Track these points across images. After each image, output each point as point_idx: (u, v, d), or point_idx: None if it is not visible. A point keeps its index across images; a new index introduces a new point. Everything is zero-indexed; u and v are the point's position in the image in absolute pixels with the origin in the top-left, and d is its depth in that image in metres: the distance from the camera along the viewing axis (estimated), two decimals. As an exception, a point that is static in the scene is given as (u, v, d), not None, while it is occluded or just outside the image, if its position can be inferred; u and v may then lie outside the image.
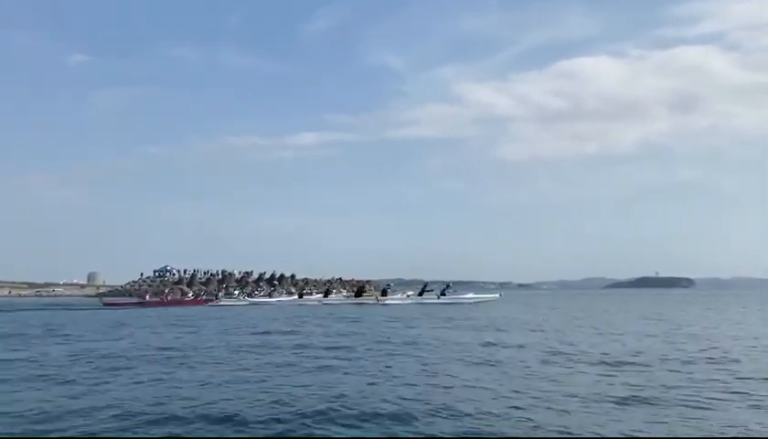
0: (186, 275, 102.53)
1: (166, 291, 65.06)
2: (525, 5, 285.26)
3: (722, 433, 6.16)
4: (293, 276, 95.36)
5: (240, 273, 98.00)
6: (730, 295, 75.36)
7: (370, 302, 39.98)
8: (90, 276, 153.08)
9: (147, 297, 50.36)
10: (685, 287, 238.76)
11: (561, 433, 6.12)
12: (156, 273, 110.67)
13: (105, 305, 45.79)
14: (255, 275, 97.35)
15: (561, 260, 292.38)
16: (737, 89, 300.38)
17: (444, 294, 38.86)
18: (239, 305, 43.60)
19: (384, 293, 42.09)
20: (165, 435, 6.19)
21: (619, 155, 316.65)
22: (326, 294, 51.48)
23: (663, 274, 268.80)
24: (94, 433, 6.30)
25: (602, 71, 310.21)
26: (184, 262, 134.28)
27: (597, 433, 6.11)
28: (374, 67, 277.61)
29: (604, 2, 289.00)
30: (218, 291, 68.50)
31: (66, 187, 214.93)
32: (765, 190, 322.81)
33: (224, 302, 46.97)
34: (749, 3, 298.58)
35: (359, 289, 44.66)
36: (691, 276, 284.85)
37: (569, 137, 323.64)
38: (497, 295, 44.85)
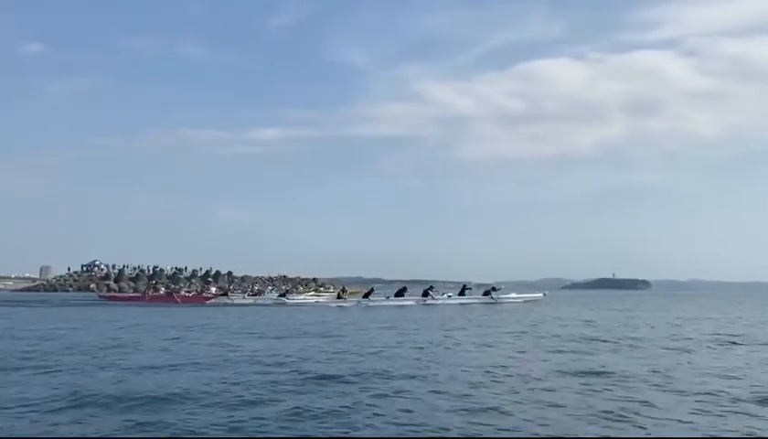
0: (115, 270, 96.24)
1: (162, 289, 57.19)
2: (488, 5, 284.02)
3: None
4: (229, 273, 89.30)
5: (171, 268, 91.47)
6: (707, 297, 73.49)
7: (409, 302, 36.92)
8: (43, 270, 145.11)
9: (150, 292, 47.82)
10: (641, 289, 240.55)
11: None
12: (84, 268, 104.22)
13: (101, 298, 44.29)
14: (188, 272, 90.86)
15: (519, 260, 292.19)
16: (694, 94, 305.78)
17: (489, 294, 38.02)
18: (248, 305, 39.45)
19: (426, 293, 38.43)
20: (166, 435, 5.68)
21: (577, 158, 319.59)
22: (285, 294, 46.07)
23: (620, 276, 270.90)
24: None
25: (562, 74, 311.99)
26: (136, 256, 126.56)
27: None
28: (337, 63, 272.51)
29: (566, 5, 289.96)
30: (150, 288, 61.11)
31: (19, 178, 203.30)
32: (722, 194, 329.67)
33: (233, 300, 43.22)
34: (706, 9, 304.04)
35: (400, 290, 39.32)
36: (648, 278, 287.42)
37: (528, 138, 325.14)
38: (542, 295, 43.15)
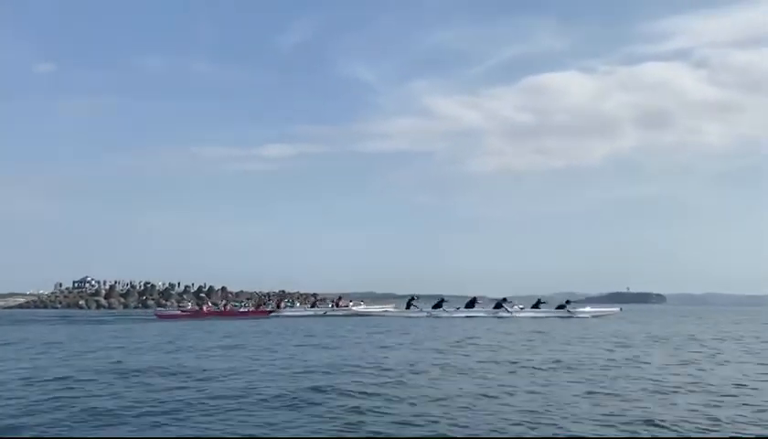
0: (106, 286, 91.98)
1: (208, 304, 54.06)
2: (496, 19, 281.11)
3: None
4: (223, 288, 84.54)
5: (163, 284, 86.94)
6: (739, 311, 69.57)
7: (481, 314, 36.59)
8: (57, 286, 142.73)
9: (204, 308, 47.22)
10: (656, 303, 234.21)
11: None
12: (75, 284, 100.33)
13: (158, 316, 44.04)
14: (181, 288, 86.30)
15: (531, 274, 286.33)
16: (705, 105, 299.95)
17: (563, 307, 37.41)
18: (305, 316, 40.14)
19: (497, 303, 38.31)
20: (165, 435, 6.17)
21: (588, 171, 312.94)
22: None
23: (634, 290, 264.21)
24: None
25: (571, 87, 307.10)
26: (131, 272, 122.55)
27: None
28: (346, 79, 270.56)
29: (574, 18, 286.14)
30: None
31: (31, 197, 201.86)
32: (735, 206, 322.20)
33: (287, 313, 43.94)
34: (717, 21, 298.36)
35: (470, 301, 38.46)
36: (662, 292, 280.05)
37: (537, 152, 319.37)
38: (618, 309, 41.15)
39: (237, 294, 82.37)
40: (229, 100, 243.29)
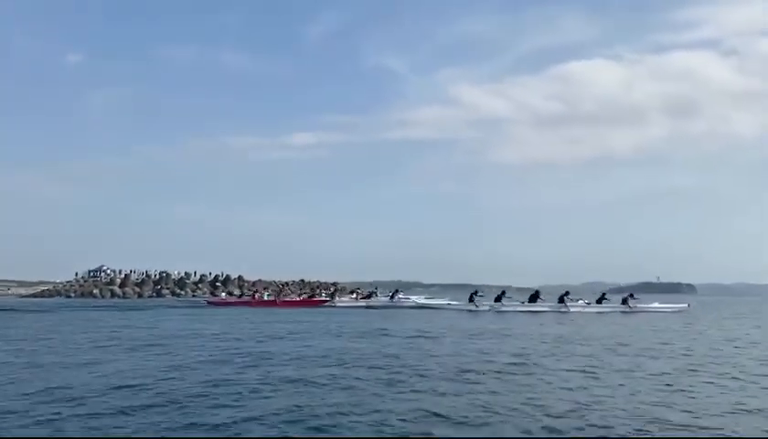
0: (121, 275, 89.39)
1: (265, 294, 52.56)
2: (522, 8, 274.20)
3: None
4: (240, 277, 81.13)
5: (178, 273, 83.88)
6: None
7: (544, 309, 34.29)
8: (75, 275, 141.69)
9: (256, 296, 47.03)
10: (686, 293, 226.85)
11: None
12: (91, 273, 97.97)
13: (210, 304, 44.68)
14: (197, 277, 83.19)
15: (560, 263, 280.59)
16: (734, 94, 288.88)
17: (626, 302, 35.97)
18: (357, 308, 40.14)
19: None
20: (164, 435, 6.12)
21: (616, 160, 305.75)
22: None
23: (664, 280, 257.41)
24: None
25: (599, 76, 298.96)
26: (144, 260, 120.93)
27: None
28: (374, 68, 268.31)
29: (603, 7, 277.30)
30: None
31: (60, 186, 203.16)
32: (765, 195, 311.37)
33: (340, 304, 42.95)
34: (745, 9, 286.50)
35: (533, 295, 36.92)
36: (692, 281, 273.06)
37: (565, 141, 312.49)
38: (686, 305, 38.53)
39: (254, 283, 78.89)
40: (258, 89, 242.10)
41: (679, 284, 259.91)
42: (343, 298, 45.93)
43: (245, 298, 48.24)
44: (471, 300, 36.91)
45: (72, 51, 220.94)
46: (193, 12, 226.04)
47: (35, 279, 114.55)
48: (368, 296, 45.29)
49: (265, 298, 46.11)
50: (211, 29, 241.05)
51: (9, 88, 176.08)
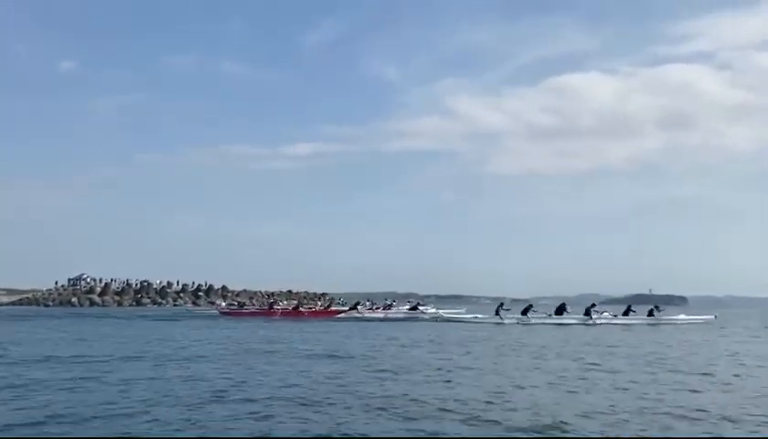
0: (101, 284, 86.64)
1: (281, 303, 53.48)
2: (519, 20, 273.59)
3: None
4: (224, 287, 78.67)
5: (159, 282, 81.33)
6: None
7: (572, 322, 34.00)
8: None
9: (274, 307, 45.93)
10: (678, 305, 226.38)
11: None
12: (71, 282, 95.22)
13: (223, 314, 44.80)
14: (179, 286, 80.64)
15: (556, 275, 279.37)
16: (728, 108, 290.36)
17: (652, 314, 35.43)
18: (375, 319, 39.35)
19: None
20: (165, 435, 6.17)
21: (611, 172, 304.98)
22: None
23: (656, 292, 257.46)
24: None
25: (594, 88, 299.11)
26: (126, 269, 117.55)
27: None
28: (372, 78, 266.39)
29: (598, 19, 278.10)
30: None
31: (57, 194, 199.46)
32: (758, 208, 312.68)
33: (368, 314, 42.88)
34: (740, 23, 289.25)
35: (560, 307, 36.43)
36: (684, 294, 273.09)
37: (560, 153, 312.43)
38: (713, 317, 38.10)
39: (238, 293, 76.49)
40: (257, 99, 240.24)
41: (672, 297, 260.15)
42: (366, 310, 45.32)
43: (262, 309, 47.68)
44: (497, 313, 36.41)
45: (71, 59, 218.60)
46: (194, 22, 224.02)
47: (26, 287, 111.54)
48: (387, 308, 45.24)
49: (289, 309, 45.76)
50: (212, 39, 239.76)
51: (6, 97, 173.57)
